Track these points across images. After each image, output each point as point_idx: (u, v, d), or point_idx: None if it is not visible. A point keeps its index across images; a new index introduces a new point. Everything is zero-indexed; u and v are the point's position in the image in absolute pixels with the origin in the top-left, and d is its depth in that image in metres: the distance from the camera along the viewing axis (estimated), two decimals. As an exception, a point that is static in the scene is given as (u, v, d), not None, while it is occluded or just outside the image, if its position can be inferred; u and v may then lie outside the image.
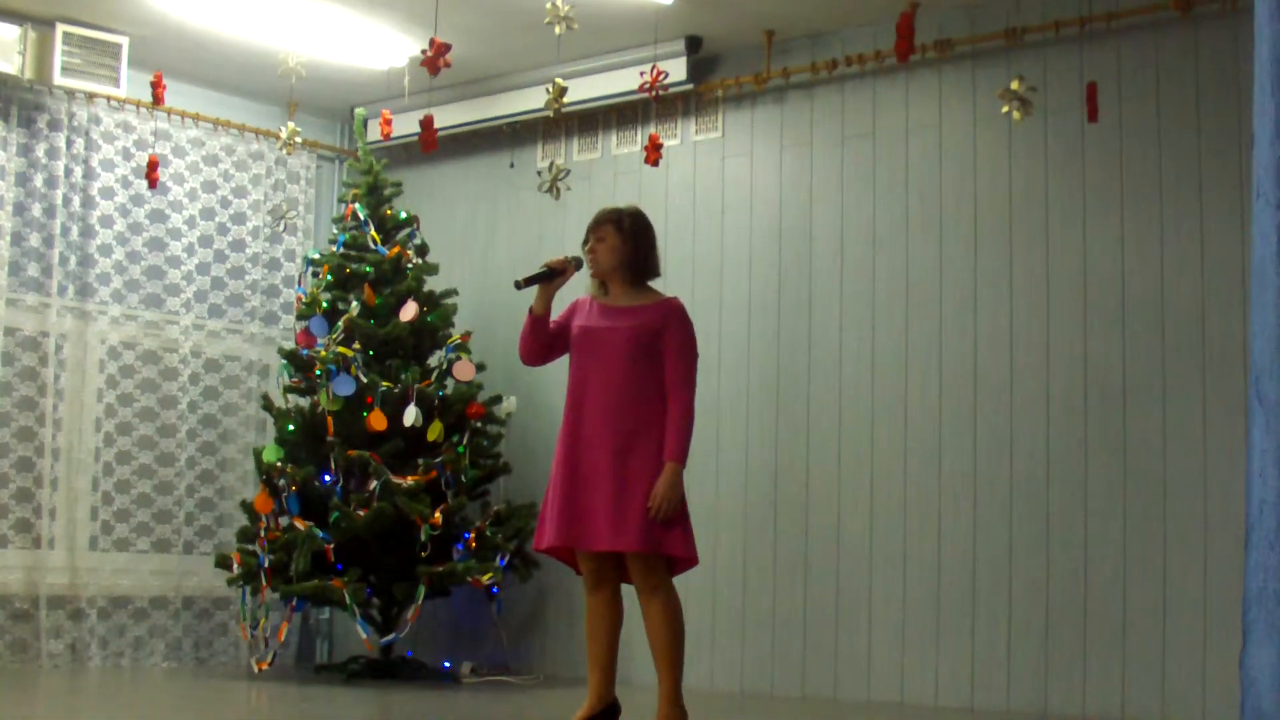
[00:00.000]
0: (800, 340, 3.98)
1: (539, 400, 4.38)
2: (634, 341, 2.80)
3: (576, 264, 2.93)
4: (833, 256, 3.96)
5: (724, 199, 4.20)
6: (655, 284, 3.10)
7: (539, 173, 3.83)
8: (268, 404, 4.28)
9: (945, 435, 3.67)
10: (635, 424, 2.76)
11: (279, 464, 4.04)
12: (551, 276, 2.89)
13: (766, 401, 4.02)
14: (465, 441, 4.13)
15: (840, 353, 3.90)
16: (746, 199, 4.16)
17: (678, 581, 2.96)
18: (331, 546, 3.87)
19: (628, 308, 2.87)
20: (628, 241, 2.87)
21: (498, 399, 4.35)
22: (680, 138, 4.28)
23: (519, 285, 2.89)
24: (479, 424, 4.22)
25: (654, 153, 3.53)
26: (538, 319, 2.89)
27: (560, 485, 2.79)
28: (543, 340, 2.91)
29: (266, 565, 3.95)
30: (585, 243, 2.92)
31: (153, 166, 4.01)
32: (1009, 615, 3.51)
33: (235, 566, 4.06)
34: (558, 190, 3.72)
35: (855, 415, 3.84)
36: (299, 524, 3.94)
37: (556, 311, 2.97)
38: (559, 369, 3.13)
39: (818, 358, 3.94)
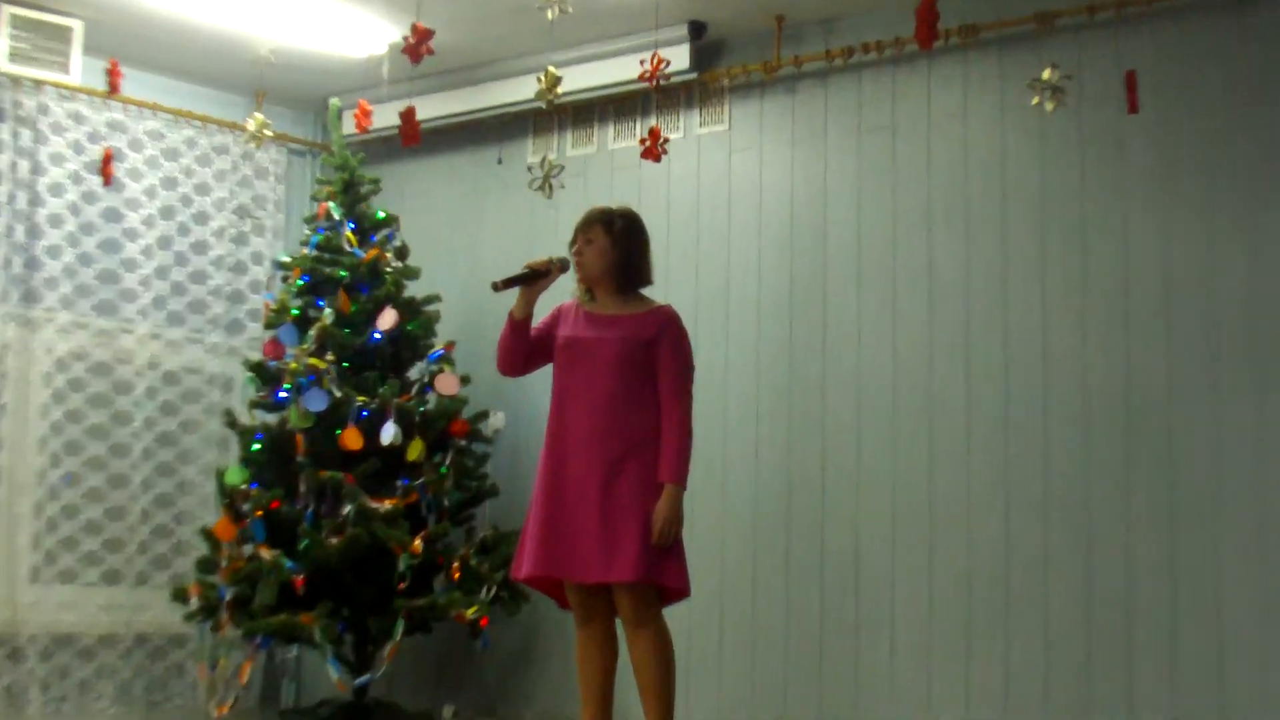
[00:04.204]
0: (814, 347, 3.97)
1: (529, 416, 4.35)
2: (624, 353, 2.80)
3: (562, 265, 2.93)
4: (849, 258, 3.95)
5: (730, 196, 4.20)
6: (648, 291, 3.06)
7: (530, 169, 3.83)
8: (231, 421, 4.27)
9: (974, 448, 3.66)
10: (625, 443, 2.77)
11: (243, 487, 4.03)
12: (533, 279, 2.89)
13: (778, 412, 4.00)
14: (448, 462, 4.12)
15: (858, 361, 3.88)
16: (755, 196, 4.15)
17: (680, 604, 2.96)
18: (300, 578, 3.84)
19: (617, 316, 2.87)
20: (618, 245, 2.88)
21: (484, 415, 4.33)
22: (683, 131, 4.29)
23: (497, 287, 2.89)
24: (464, 442, 4.21)
25: (655, 147, 3.52)
26: (518, 324, 2.89)
27: (542, 510, 2.79)
28: (523, 348, 2.91)
29: (228, 598, 3.93)
30: (572, 244, 2.92)
31: (107, 161, 4.10)
32: (1045, 633, 3.48)
33: (193, 600, 4.03)
34: (550, 188, 3.71)
35: (875, 427, 3.82)
36: (264, 553, 3.92)
37: (538, 317, 2.97)
38: (550, 381, 3.11)
39: (833, 366, 3.92)
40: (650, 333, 2.83)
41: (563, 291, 3.15)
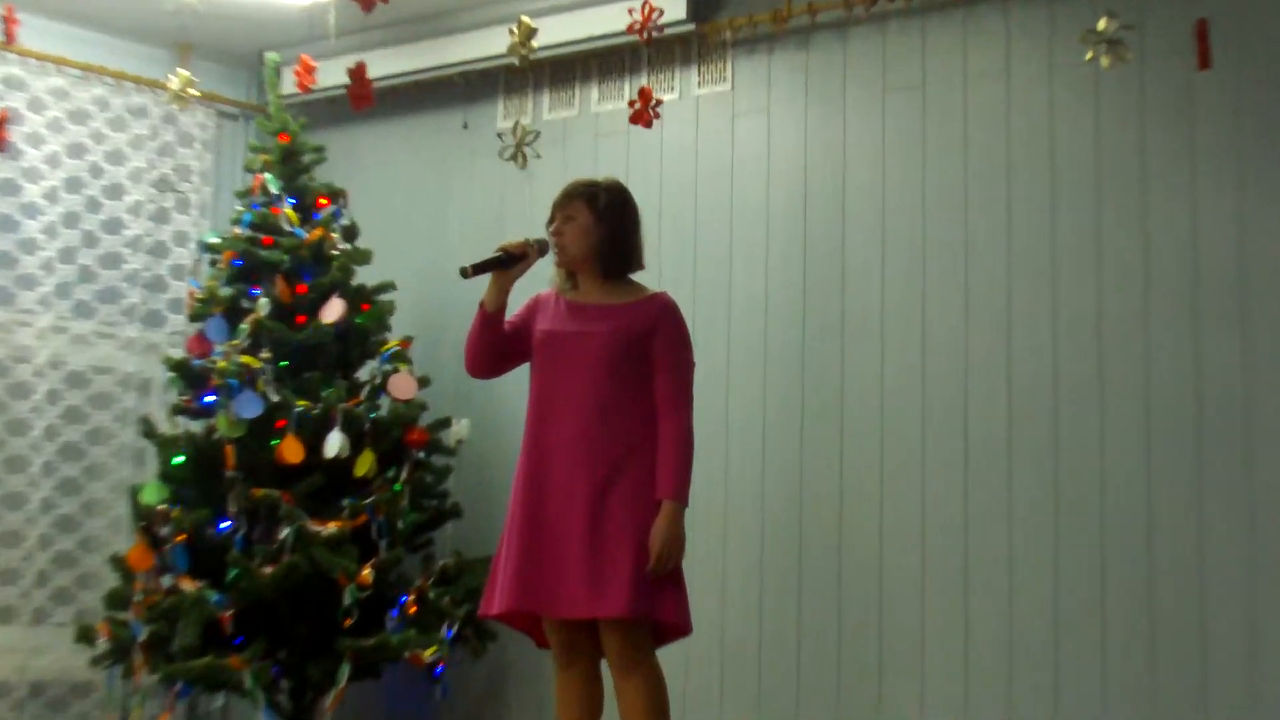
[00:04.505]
0: (830, 341, 3.80)
1: (498, 424, 4.18)
2: (613, 350, 2.74)
3: (540, 248, 2.88)
4: (871, 236, 3.78)
5: (733, 166, 4.04)
6: (639, 277, 2.98)
7: (500, 135, 3.78)
8: (149, 429, 4.07)
9: (1017, 457, 3.50)
10: (615, 455, 2.71)
11: (162, 507, 3.84)
12: (508, 263, 2.84)
13: (788, 417, 3.84)
14: (404, 477, 3.98)
15: (882, 353, 3.71)
16: (762, 167, 3.99)
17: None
18: (228, 614, 3.68)
19: (604, 306, 2.81)
20: (603, 222, 2.81)
21: (446, 423, 4.18)
22: (678, 91, 4.14)
23: (466, 273, 2.82)
24: (421, 455, 4.06)
25: (646, 110, 3.44)
26: (489, 317, 2.83)
27: (518, 535, 2.72)
28: (495, 345, 2.85)
29: (143, 639, 3.75)
30: (550, 222, 2.87)
31: (1, 124, 3.93)
32: (1102, 671, 3.31)
33: (101, 641, 3.83)
34: (524, 157, 3.66)
35: (901, 428, 3.66)
36: (186, 585, 3.75)
37: (512, 309, 2.90)
38: (525, 383, 2.99)
39: (853, 360, 3.76)
40: (643, 325, 2.75)
41: (540, 279, 3.01)
